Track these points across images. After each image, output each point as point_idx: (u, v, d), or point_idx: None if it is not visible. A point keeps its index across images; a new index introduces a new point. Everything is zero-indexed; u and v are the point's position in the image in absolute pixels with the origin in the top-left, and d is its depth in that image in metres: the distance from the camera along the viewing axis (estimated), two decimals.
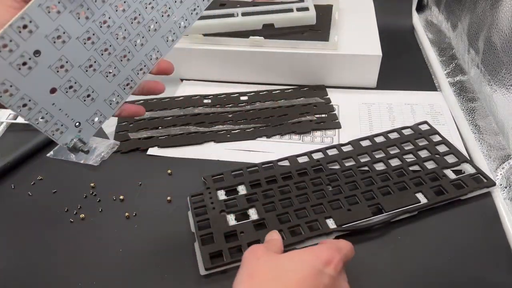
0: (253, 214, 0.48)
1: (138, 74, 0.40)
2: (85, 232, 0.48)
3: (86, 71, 0.36)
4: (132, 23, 0.37)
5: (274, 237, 0.39)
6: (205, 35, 0.69)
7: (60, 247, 0.46)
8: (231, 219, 0.47)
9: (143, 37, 0.39)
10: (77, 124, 0.37)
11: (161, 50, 0.41)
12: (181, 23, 0.42)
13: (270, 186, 0.51)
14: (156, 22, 0.39)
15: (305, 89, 0.70)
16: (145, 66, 0.40)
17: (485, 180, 0.50)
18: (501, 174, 0.52)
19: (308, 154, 0.55)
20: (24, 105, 0.33)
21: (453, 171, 0.52)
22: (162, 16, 0.39)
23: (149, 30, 0.39)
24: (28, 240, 0.47)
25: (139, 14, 0.37)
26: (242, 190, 0.51)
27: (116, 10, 0.35)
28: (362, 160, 0.54)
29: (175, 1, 0.40)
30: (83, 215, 0.49)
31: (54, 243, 0.47)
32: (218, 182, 0.52)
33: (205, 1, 0.43)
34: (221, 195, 0.50)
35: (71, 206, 0.51)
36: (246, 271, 0.33)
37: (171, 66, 0.43)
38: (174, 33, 0.42)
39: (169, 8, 0.40)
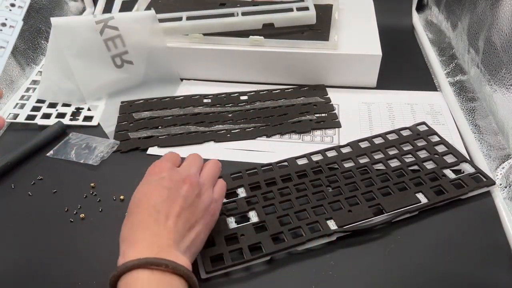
0: (253, 216, 0.47)
1: None
2: (85, 232, 0.48)
3: None
4: None
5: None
6: (205, 35, 0.69)
7: (60, 247, 0.46)
8: (231, 222, 0.47)
9: None
10: None
11: None
12: None
13: (270, 188, 0.51)
14: None
15: (305, 88, 0.70)
16: None
17: (484, 180, 0.50)
18: (501, 173, 0.52)
19: (307, 156, 0.55)
20: None
21: (452, 171, 0.52)
22: None
23: None
24: (28, 240, 0.47)
25: None
26: (241, 192, 0.51)
27: None
28: (361, 161, 0.54)
29: None
30: (83, 215, 0.49)
31: (54, 243, 0.47)
32: None
33: None
34: None
35: (71, 206, 0.51)
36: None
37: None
38: None
39: None
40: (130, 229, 0.37)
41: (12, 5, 0.35)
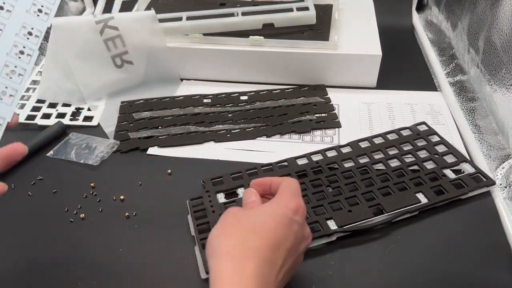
0: None
1: None
2: (85, 232, 0.48)
3: None
4: None
5: (252, 199, 0.39)
6: (205, 35, 0.69)
7: (60, 247, 0.46)
8: None
9: None
10: None
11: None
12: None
13: None
14: None
15: (305, 88, 0.70)
16: None
17: (484, 180, 0.50)
18: (501, 173, 0.52)
19: (307, 156, 0.55)
20: None
21: (452, 170, 0.52)
22: None
23: None
24: (28, 240, 0.47)
25: None
26: (241, 192, 0.51)
27: None
28: (361, 161, 0.54)
29: None
30: (83, 215, 0.49)
31: (54, 243, 0.47)
32: (217, 185, 0.52)
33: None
34: (221, 198, 0.50)
35: (71, 206, 0.51)
36: (222, 226, 0.35)
37: (20, 147, 0.35)
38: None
39: None
40: (240, 248, 0.33)
41: (30, 33, 0.36)
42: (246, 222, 0.35)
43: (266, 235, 0.33)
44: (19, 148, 0.35)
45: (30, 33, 0.36)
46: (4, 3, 0.34)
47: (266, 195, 0.41)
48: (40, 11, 0.36)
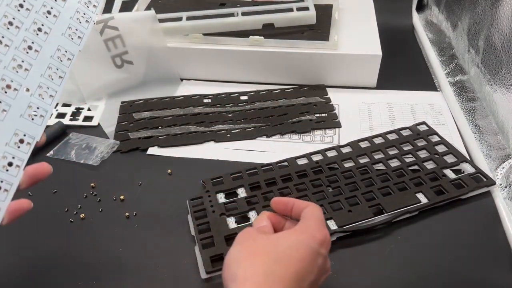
0: (253, 216, 0.47)
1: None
2: (85, 232, 0.48)
3: None
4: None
5: (263, 223, 0.38)
6: (205, 35, 0.69)
7: (60, 247, 0.46)
8: (232, 222, 0.47)
9: None
10: None
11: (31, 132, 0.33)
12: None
13: (270, 188, 0.51)
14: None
15: (305, 88, 0.70)
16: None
17: (484, 180, 0.50)
18: (501, 173, 0.52)
19: (307, 156, 0.55)
20: None
21: (452, 170, 0.52)
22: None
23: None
24: (28, 240, 0.47)
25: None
26: (241, 192, 0.51)
27: None
28: (362, 161, 0.54)
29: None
30: (83, 215, 0.49)
31: (54, 243, 0.47)
32: (217, 185, 0.52)
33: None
34: (221, 198, 0.50)
35: (71, 206, 0.51)
36: (245, 251, 0.33)
37: (46, 167, 0.35)
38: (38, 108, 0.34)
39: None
40: (263, 276, 0.31)
41: (64, 55, 0.37)
42: (269, 248, 0.33)
43: (291, 267, 0.32)
44: (45, 168, 0.35)
45: (64, 56, 0.36)
46: (42, 25, 0.35)
47: (285, 215, 0.39)
48: (74, 34, 0.37)
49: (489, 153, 0.56)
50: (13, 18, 0.33)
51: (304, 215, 0.37)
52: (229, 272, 0.32)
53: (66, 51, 0.37)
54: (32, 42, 0.34)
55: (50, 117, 0.63)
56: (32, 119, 0.34)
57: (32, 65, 0.34)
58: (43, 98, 0.34)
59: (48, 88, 0.35)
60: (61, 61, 0.36)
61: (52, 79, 0.35)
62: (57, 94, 0.36)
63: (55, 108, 0.66)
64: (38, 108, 0.34)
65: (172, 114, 0.65)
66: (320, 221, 0.36)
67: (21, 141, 0.33)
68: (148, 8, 0.79)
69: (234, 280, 0.31)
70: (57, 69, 0.36)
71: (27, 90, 0.33)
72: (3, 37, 0.33)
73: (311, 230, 0.34)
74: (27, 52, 0.34)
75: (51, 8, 0.36)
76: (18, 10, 0.34)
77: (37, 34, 0.35)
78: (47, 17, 0.36)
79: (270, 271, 0.31)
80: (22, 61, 0.34)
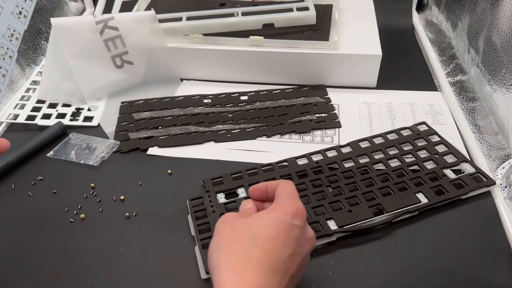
0: None
1: None
2: (85, 232, 0.48)
3: None
4: None
5: (247, 206, 0.39)
6: (205, 35, 0.69)
7: (60, 247, 0.46)
8: None
9: None
10: None
11: None
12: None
13: None
14: None
15: (305, 88, 0.70)
16: None
17: (484, 179, 0.50)
18: (501, 173, 0.52)
19: (308, 156, 0.55)
20: None
21: (452, 170, 0.52)
22: None
23: None
24: (28, 240, 0.47)
25: None
26: (242, 192, 0.51)
27: None
28: (362, 161, 0.54)
29: None
30: (83, 215, 0.49)
31: (54, 243, 0.47)
32: (217, 185, 0.52)
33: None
34: (221, 198, 0.50)
35: (71, 206, 0.51)
36: (222, 238, 0.35)
37: (4, 142, 0.38)
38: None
39: None
40: (241, 260, 0.32)
41: (12, 35, 0.36)
42: (244, 231, 0.34)
43: (265, 244, 0.33)
44: (3, 143, 0.38)
45: (13, 35, 0.36)
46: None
47: (266, 201, 0.40)
48: (20, 13, 0.37)
49: (489, 153, 0.56)
50: None
51: (276, 193, 0.38)
52: (211, 261, 0.34)
53: (14, 31, 0.36)
54: None
55: (50, 117, 0.64)
56: None
57: None
58: None
59: (1, 68, 0.35)
60: (11, 40, 0.36)
61: (4, 59, 0.35)
62: (7, 73, 0.36)
63: (55, 108, 0.66)
64: None
65: (172, 114, 0.65)
66: (291, 196, 0.37)
67: None
68: (148, 8, 0.79)
69: (216, 268, 0.33)
70: (8, 49, 0.36)
71: None
72: None
73: (282, 206, 0.35)
74: None
75: None
76: None
77: None
78: None
79: (247, 254, 0.32)
80: None
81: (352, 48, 0.67)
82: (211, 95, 0.69)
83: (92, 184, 0.53)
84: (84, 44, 0.65)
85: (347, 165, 0.54)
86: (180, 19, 0.71)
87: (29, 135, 0.59)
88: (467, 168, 0.52)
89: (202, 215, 0.48)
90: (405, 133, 0.59)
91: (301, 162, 0.55)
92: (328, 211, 0.47)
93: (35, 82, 0.72)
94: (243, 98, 0.68)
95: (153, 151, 0.58)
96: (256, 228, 0.34)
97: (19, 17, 0.36)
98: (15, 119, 0.64)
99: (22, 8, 0.37)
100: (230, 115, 0.64)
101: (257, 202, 0.40)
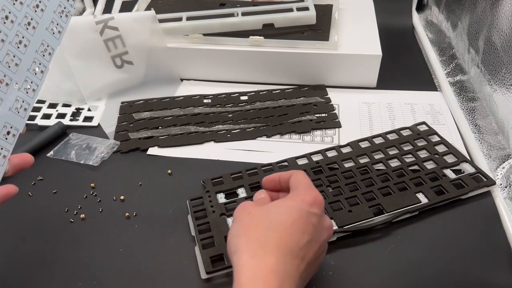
0: None
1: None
2: (85, 232, 0.48)
3: None
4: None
5: (261, 195, 0.40)
6: (205, 35, 0.69)
7: (60, 247, 0.46)
8: (232, 222, 0.47)
9: None
10: None
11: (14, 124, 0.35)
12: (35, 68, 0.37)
13: None
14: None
15: (305, 88, 0.70)
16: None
17: (485, 179, 0.50)
18: (501, 173, 0.52)
19: (308, 156, 0.55)
20: None
21: (452, 170, 0.52)
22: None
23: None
24: (28, 240, 0.47)
25: None
26: (242, 192, 0.51)
27: None
28: (362, 161, 0.54)
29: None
30: (83, 215, 0.49)
31: (54, 243, 0.47)
32: (217, 185, 0.52)
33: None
34: (221, 198, 0.50)
35: (71, 206, 0.51)
36: (241, 225, 0.36)
37: (28, 157, 0.38)
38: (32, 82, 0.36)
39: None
40: (259, 244, 0.33)
41: (45, 50, 0.37)
42: (262, 218, 0.35)
43: (282, 230, 0.34)
44: (27, 159, 0.38)
45: (46, 50, 0.37)
46: (32, 19, 0.36)
47: (279, 191, 0.41)
48: (55, 29, 0.38)
49: (489, 153, 0.56)
50: (9, 12, 0.34)
51: (291, 184, 0.38)
52: (230, 247, 0.35)
53: (48, 46, 0.37)
54: (23, 37, 0.35)
55: (50, 117, 0.64)
56: (18, 112, 0.35)
57: (21, 60, 0.35)
58: (27, 93, 0.36)
59: (32, 82, 0.36)
60: (43, 55, 0.37)
61: (35, 73, 0.36)
62: (38, 88, 0.36)
63: (55, 108, 0.66)
64: (23, 101, 0.36)
65: (172, 114, 0.65)
66: (308, 185, 0.38)
67: (8, 132, 0.35)
68: (148, 8, 0.79)
69: (235, 253, 0.33)
70: (40, 64, 0.37)
71: (16, 84, 0.35)
72: (0, 31, 0.33)
73: (300, 195, 0.36)
74: (18, 47, 0.34)
75: (40, 1, 0.36)
76: (13, 4, 0.34)
77: (27, 29, 0.35)
78: (35, 11, 0.36)
79: (265, 239, 0.33)
80: (14, 56, 0.34)
81: (352, 48, 0.67)
82: (211, 95, 0.69)
83: (92, 184, 0.53)
84: (84, 44, 0.65)
85: (347, 165, 0.54)
86: (180, 19, 0.71)
87: (29, 135, 0.59)
88: (467, 168, 0.52)
89: (202, 215, 0.48)
90: (405, 133, 0.59)
91: (301, 162, 0.55)
92: (328, 211, 0.47)
93: None
94: (243, 98, 0.68)
95: (153, 151, 0.58)
96: (273, 215, 0.35)
97: (53, 33, 0.37)
98: None
99: (57, 24, 0.38)
100: (230, 115, 0.64)
101: (270, 192, 0.41)
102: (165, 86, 0.71)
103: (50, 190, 0.53)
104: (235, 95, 0.69)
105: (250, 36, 0.68)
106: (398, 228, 0.47)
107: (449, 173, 0.52)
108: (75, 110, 0.66)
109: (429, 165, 0.53)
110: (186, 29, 0.70)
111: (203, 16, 0.72)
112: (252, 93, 0.69)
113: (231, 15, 0.71)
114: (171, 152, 0.58)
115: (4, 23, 0.33)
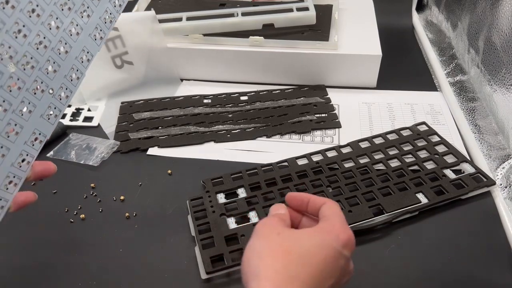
0: (253, 217, 0.47)
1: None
2: (85, 232, 0.48)
3: None
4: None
5: (282, 211, 0.37)
6: (205, 35, 0.69)
7: (60, 247, 0.46)
8: (232, 223, 0.47)
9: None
10: None
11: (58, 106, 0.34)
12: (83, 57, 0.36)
13: (270, 188, 0.51)
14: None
15: (305, 89, 0.70)
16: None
17: (484, 180, 0.50)
18: (501, 173, 0.52)
19: (308, 156, 0.55)
20: None
21: (452, 171, 0.52)
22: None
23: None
24: (28, 240, 0.47)
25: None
26: (242, 193, 0.51)
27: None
28: (362, 161, 0.54)
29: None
30: (83, 215, 0.49)
31: (54, 243, 0.47)
32: (217, 185, 0.52)
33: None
34: (221, 198, 0.50)
35: (71, 206, 0.51)
36: (267, 245, 0.32)
37: (52, 166, 0.37)
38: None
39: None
40: (284, 278, 0.30)
41: (85, 56, 0.36)
42: (292, 245, 0.32)
43: (313, 267, 0.31)
44: (51, 167, 0.37)
45: (85, 57, 0.36)
46: (77, 25, 0.34)
47: (301, 212, 0.38)
48: (98, 35, 0.37)
49: (489, 153, 0.56)
50: (56, 18, 0.32)
51: (324, 213, 0.35)
52: (250, 267, 0.31)
53: (88, 52, 0.36)
54: (65, 43, 0.34)
55: None
56: (49, 118, 0.34)
57: (60, 66, 0.34)
58: (60, 99, 0.34)
59: (66, 89, 0.35)
60: (82, 62, 0.36)
61: (71, 80, 0.35)
62: (71, 94, 0.35)
63: None
64: (55, 108, 0.34)
65: (172, 115, 0.65)
66: (343, 220, 0.35)
67: (36, 139, 0.34)
68: (148, 8, 0.79)
69: (255, 277, 0.30)
70: (77, 70, 0.35)
71: (51, 91, 0.33)
72: (44, 37, 0.32)
73: (335, 230, 0.33)
74: (59, 53, 0.33)
75: (87, 7, 0.35)
76: (62, 10, 0.33)
77: (71, 35, 0.34)
78: (82, 17, 0.35)
79: (292, 272, 0.30)
80: (54, 62, 0.33)
81: (352, 48, 0.67)
82: (211, 95, 0.69)
83: (92, 184, 0.53)
84: None
85: (347, 165, 0.54)
86: (180, 19, 0.71)
87: None
88: (467, 168, 0.52)
89: (202, 215, 0.48)
90: (405, 133, 0.59)
91: (301, 162, 0.55)
92: None
93: None
94: (243, 98, 0.68)
95: (153, 151, 0.58)
96: (305, 247, 0.32)
97: (95, 39, 0.36)
98: None
99: (101, 30, 0.37)
100: (230, 115, 0.64)
101: (291, 210, 0.38)
102: (165, 86, 0.71)
103: (50, 190, 0.53)
104: (235, 95, 0.69)
105: (250, 36, 0.68)
106: (398, 228, 0.47)
107: (449, 173, 0.52)
108: (75, 110, 0.66)
109: (429, 165, 0.53)
110: (186, 29, 0.70)
111: (203, 16, 0.72)
112: (252, 93, 0.69)
113: (231, 15, 0.71)
114: (171, 152, 0.58)
115: (50, 29, 0.32)
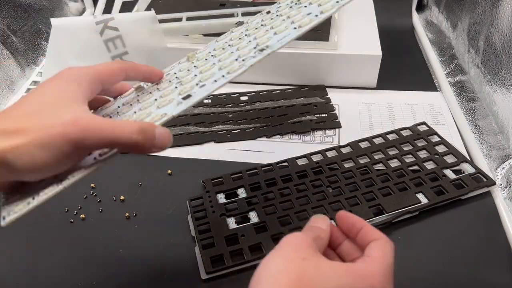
0: (253, 217, 0.47)
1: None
2: (85, 232, 0.48)
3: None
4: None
5: (322, 226, 0.33)
6: (205, 35, 0.69)
7: (60, 248, 0.46)
8: (232, 223, 0.47)
9: None
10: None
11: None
12: None
13: (270, 188, 0.51)
14: None
15: (305, 89, 0.70)
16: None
17: (485, 180, 0.50)
18: (501, 174, 0.52)
19: (308, 156, 0.55)
20: None
21: (452, 171, 0.52)
22: None
23: None
24: (28, 240, 0.47)
25: None
26: (242, 193, 0.51)
27: None
28: (362, 161, 0.54)
29: None
30: (83, 215, 0.49)
31: (54, 244, 0.47)
32: (217, 185, 0.52)
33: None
34: (221, 198, 0.50)
35: (71, 206, 0.51)
36: (285, 268, 0.27)
37: (160, 72, 0.40)
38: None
39: None
40: None
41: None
42: (313, 280, 0.27)
43: None
44: (158, 73, 0.40)
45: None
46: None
47: (347, 234, 0.34)
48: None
49: (489, 153, 0.56)
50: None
51: (371, 251, 0.31)
52: (262, 284, 0.27)
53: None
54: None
55: None
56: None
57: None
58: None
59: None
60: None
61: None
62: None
63: None
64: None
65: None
66: (388, 269, 0.30)
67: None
68: (148, 8, 0.79)
69: None
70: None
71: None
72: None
73: (372, 278, 0.28)
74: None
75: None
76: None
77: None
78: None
79: None
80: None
81: (352, 48, 0.67)
82: (211, 95, 0.68)
83: (92, 184, 0.53)
84: (84, 45, 0.65)
85: (347, 165, 0.54)
86: (180, 19, 0.71)
87: None
88: (467, 168, 0.52)
89: (202, 215, 0.48)
90: (405, 133, 0.59)
91: (301, 162, 0.55)
92: (328, 211, 0.47)
93: (35, 83, 0.72)
94: (243, 98, 0.68)
95: None
96: (330, 284, 0.27)
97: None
98: None
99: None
100: (230, 115, 0.64)
101: (333, 228, 0.34)
102: None
103: None
104: (235, 95, 0.69)
105: None
106: (398, 228, 0.47)
107: (449, 173, 0.52)
108: None
109: (429, 165, 0.53)
110: (186, 29, 0.70)
111: (203, 16, 0.72)
112: (252, 93, 0.69)
113: (231, 15, 0.71)
114: (171, 152, 0.58)
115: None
